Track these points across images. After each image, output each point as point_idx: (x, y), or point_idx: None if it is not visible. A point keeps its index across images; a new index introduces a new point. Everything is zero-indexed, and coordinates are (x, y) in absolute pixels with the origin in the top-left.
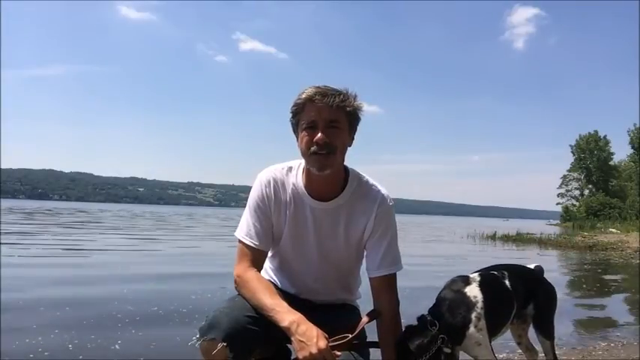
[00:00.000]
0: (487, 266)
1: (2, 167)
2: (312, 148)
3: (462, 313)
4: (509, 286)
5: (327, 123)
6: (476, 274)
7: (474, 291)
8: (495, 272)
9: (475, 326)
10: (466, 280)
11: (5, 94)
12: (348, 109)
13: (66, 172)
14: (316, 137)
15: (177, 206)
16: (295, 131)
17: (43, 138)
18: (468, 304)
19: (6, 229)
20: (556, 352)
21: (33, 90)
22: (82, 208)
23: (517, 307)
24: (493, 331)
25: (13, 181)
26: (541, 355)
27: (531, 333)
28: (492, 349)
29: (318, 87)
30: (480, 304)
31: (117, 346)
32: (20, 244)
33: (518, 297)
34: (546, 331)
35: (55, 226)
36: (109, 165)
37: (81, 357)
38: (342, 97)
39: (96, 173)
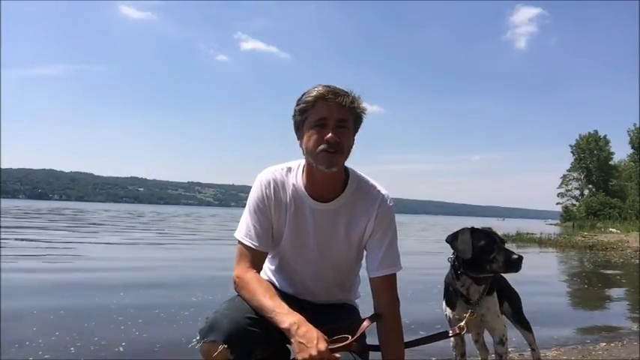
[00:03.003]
0: None
1: (2, 167)
2: (321, 146)
3: None
4: None
5: (337, 122)
6: None
7: None
8: None
9: None
10: None
11: (5, 94)
12: (357, 110)
13: (66, 172)
14: (327, 136)
15: (177, 206)
16: (299, 129)
17: (43, 138)
18: None
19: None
20: (539, 349)
21: (33, 90)
22: (84, 208)
23: None
24: None
25: (13, 181)
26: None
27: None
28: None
29: (328, 86)
30: None
31: (120, 348)
32: (18, 247)
33: None
34: (526, 323)
35: (57, 226)
36: (109, 165)
37: (82, 359)
38: (352, 98)
39: (96, 173)
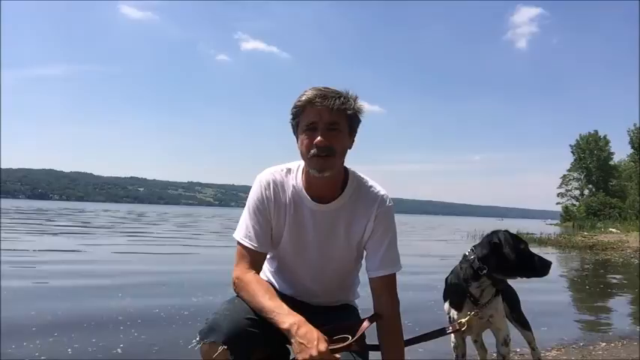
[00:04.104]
0: None
1: (2, 167)
2: (312, 151)
3: None
4: None
5: (326, 125)
6: None
7: None
8: None
9: None
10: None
11: (5, 94)
12: (348, 112)
13: (66, 171)
14: (316, 140)
15: (177, 206)
16: (295, 133)
17: (43, 138)
18: None
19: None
20: (538, 347)
21: (33, 90)
22: (84, 207)
23: None
24: None
25: (13, 181)
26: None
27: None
28: None
29: (319, 89)
30: None
31: (119, 350)
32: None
33: None
34: (525, 322)
35: (56, 227)
36: (109, 165)
37: None
38: (342, 99)
39: (96, 173)
